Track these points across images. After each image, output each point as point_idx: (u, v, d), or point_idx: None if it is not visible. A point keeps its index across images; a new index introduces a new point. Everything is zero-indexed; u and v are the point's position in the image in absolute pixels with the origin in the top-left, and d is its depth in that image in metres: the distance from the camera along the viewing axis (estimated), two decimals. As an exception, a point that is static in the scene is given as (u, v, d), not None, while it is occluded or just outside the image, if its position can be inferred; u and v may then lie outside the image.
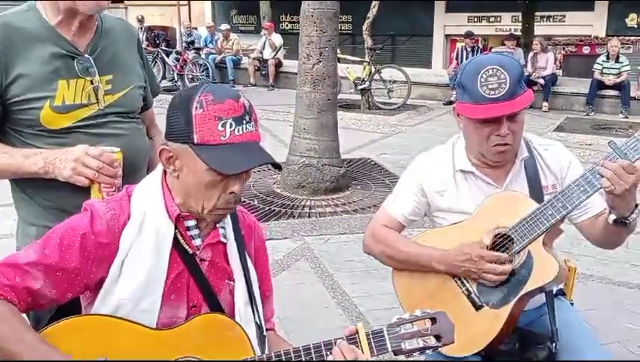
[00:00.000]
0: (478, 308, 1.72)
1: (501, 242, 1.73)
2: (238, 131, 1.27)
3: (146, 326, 1.31)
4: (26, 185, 1.61)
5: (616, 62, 9.45)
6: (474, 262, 1.70)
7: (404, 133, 8.09)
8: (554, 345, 1.77)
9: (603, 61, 9.58)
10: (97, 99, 1.60)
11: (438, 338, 1.37)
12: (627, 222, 1.60)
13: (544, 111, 9.56)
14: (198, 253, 1.39)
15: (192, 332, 1.32)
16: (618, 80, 9.31)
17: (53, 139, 1.56)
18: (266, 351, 1.45)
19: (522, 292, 1.68)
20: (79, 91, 1.57)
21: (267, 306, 1.60)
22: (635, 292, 3.56)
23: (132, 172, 1.67)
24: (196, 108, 1.26)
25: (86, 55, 1.60)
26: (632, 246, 4.23)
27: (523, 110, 1.73)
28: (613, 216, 1.62)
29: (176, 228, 1.36)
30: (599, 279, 3.74)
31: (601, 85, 9.43)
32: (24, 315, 1.31)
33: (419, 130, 8.29)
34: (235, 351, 1.33)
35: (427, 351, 1.40)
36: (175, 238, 1.36)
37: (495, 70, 1.68)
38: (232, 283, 1.43)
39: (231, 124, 1.26)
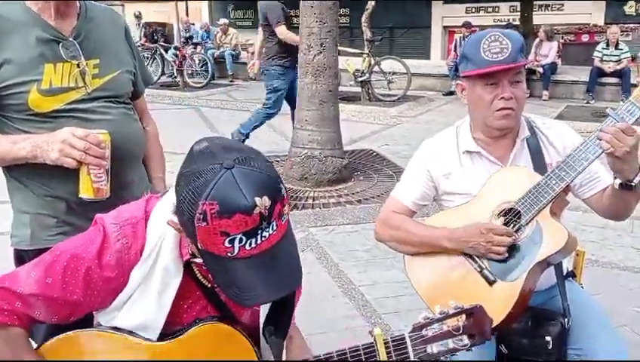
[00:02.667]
0: (491, 283, 1.72)
1: (509, 216, 1.74)
2: (250, 245, 1.07)
3: (146, 339, 1.25)
4: (17, 172, 1.61)
5: (615, 49, 9.43)
6: (482, 235, 1.71)
7: (405, 124, 8.08)
8: (566, 320, 1.78)
9: (603, 48, 9.57)
10: (84, 83, 1.61)
11: (472, 336, 1.27)
12: (633, 185, 1.61)
13: (544, 100, 9.55)
14: (216, 286, 1.29)
15: (193, 344, 1.26)
16: (618, 67, 9.29)
17: (43, 124, 1.56)
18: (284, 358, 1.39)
19: (534, 262, 1.69)
20: (66, 75, 1.58)
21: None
22: (641, 276, 3.56)
23: (127, 159, 1.66)
24: (199, 219, 1.05)
25: (70, 39, 1.60)
26: (637, 231, 4.24)
27: (523, 79, 1.80)
28: (618, 181, 1.63)
29: (191, 263, 1.27)
30: (604, 264, 3.74)
31: (601, 73, 9.41)
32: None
33: (419, 121, 8.28)
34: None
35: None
36: (191, 272, 1.28)
37: (497, 36, 1.74)
38: (255, 308, 1.35)
39: (241, 240, 1.06)
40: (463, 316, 1.28)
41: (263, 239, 1.08)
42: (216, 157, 1.07)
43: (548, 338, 1.78)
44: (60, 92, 1.57)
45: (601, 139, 1.59)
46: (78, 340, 1.25)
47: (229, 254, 1.07)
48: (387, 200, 2.02)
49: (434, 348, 1.27)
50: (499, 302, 1.71)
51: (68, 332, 1.24)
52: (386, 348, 1.27)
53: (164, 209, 1.23)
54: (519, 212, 1.73)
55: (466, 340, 1.27)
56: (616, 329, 1.84)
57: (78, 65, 1.59)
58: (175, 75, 11.72)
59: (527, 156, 1.85)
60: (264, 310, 1.36)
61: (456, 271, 1.79)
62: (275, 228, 1.09)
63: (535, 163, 1.83)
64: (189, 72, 11.65)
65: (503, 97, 1.74)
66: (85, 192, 1.51)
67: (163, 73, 12.19)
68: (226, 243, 1.06)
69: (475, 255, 1.76)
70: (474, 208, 1.80)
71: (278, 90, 5.82)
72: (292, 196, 5.04)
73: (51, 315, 1.21)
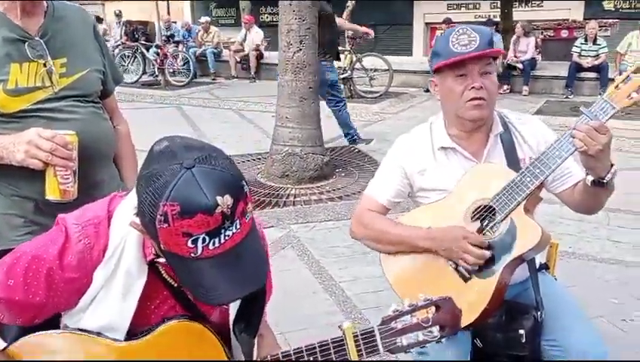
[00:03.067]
0: (466, 279, 1.73)
1: (483, 214, 1.75)
2: (214, 244, 1.05)
3: (114, 340, 1.24)
4: None
5: (594, 44, 9.53)
6: (457, 241, 1.72)
7: (387, 121, 8.10)
8: (539, 313, 1.80)
9: (581, 43, 9.66)
10: (51, 82, 1.59)
11: (442, 328, 1.27)
12: (604, 182, 1.63)
13: (524, 96, 9.62)
14: (183, 285, 1.27)
15: (161, 342, 1.24)
16: (596, 62, 9.39)
17: (9, 124, 1.54)
18: (255, 356, 1.38)
19: (509, 259, 1.70)
20: (32, 74, 1.56)
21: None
22: (617, 268, 3.61)
23: (96, 158, 1.64)
24: (160, 220, 1.03)
25: (37, 38, 1.58)
26: (614, 223, 4.30)
27: (494, 71, 1.82)
28: (590, 178, 1.65)
29: (156, 263, 1.25)
30: (581, 256, 3.79)
31: (579, 68, 9.50)
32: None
33: (401, 117, 8.30)
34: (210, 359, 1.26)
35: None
36: (156, 272, 1.26)
37: (465, 30, 1.78)
38: (224, 307, 1.35)
39: (204, 239, 1.04)
40: (433, 308, 1.28)
41: (227, 238, 1.06)
42: (177, 157, 1.06)
43: (521, 331, 1.81)
44: (26, 92, 1.55)
45: (574, 137, 1.60)
46: (44, 341, 1.23)
47: (192, 254, 1.06)
48: (362, 198, 2.03)
49: (404, 341, 1.27)
50: (474, 298, 1.73)
51: (35, 334, 1.23)
52: (355, 341, 1.27)
53: (127, 209, 1.21)
54: (494, 209, 1.74)
55: (436, 332, 1.28)
56: (590, 320, 1.87)
57: (44, 65, 1.58)
58: (157, 73, 11.64)
59: (501, 152, 1.87)
60: (234, 308, 1.35)
61: (432, 267, 1.79)
62: (238, 226, 1.07)
63: (508, 159, 1.85)
64: (171, 70, 11.57)
65: (473, 87, 1.76)
66: (52, 194, 1.49)
67: (144, 72, 12.09)
68: (189, 244, 1.05)
69: (448, 258, 1.77)
70: (449, 204, 1.81)
71: (333, 81, 6.20)
72: (273, 194, 5.04)
73: (15, 318, 1.20)
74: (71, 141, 1.50)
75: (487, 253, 1.70)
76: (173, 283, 1.28)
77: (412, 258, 1.83)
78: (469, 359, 1.83)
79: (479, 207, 1.76)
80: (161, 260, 1.24)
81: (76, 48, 1.67)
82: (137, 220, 1.13)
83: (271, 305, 3.24)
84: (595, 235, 4.08)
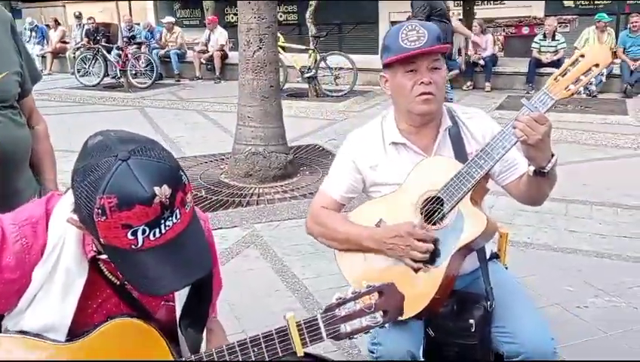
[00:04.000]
0: (416, 270, 1.76)
1: (432, 205, 1.78)
2: (154, 235, 1.05)
3: (53, 341, 1.22)
4: None
5: (552, 40, 9.74)
6: (402, 239, 1.74)
7: (352, 119, 8.13)
8: (489, 303, 1.83)
9: (540, 40, 9.87)
10: None
11: (385, 313, 1.30)
12: (545, 171, 1.67)
13: (487, 92, 9.77)
14: (126, 283, 1.27)
15: (103, 341, 1.22)
16: (555, 57, 9.59)
17: None
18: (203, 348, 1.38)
19: (456, 249, 1.73)
20: None
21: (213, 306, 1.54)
22: (573, 256, 3.70)
23: (12, 165, 1.62)
24: (98, 213, 1.02)
25: None
26: (570, 212, 4.41)
27: (442, 66, 1.85)
28: (532, 168, 1.69)
29: (97, 260, 1.24)
30: (539, 246, 3.87)
31: (539, 63, 9.70)
32: None
33: (366, 115, 8.34)
34: (153, 357, 1.25)
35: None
36: (98, 270, 1.25)
37: (414, 26, 1.82)
38: (170, 303, 1.34)
39: (144, 230, 1.04)
40: (376, 294, 1.31)
41: (167, 228, 1.06)
42: (111, 150, 1.05)
43: (471, 321, 1.84)
44: None
45: (515, 128, 1.64)
46: None
47: (133, 246, 1.06)
48: (316, 194, 2.04)
49: (347, 327, 1.29)
50: (424, 287, 1.75)
51: None
52: (299, 330, 1.28)
53: (65, 206, 1.20)
54: (442, 200, 1.77)
55: (379, 317, 1.30)
56: (537, 309, 1.91)
57: None
58: (119, 75, 11.46)
59: (450, 146, 1.90)
60: (180, 304, 1.34)
61: (383, 260, 1.81)
62: (178, 216, 1.07)
63: (457, 152, 1.88)
64: (133, 72, 11.41)
65: (422, 82, 1.80)
66: None
67: (106, 74, 11.90)
68: (129, 236, 1.04)
69: (394, 256, 1.79)
70: (399, 197, 1.84)
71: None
72: (237, 193, 5.02)
73: None
74: None
75: (432, 247, 1.73)
76: (115, 280, 1.27)
77: (363, 254, 1.85)
78: (421, 347, 1.85)
79: (428, 198, 1.78)
80: (103, 257, 1.22)
81: None
82: (75, 216, 1.12)
83: (234, 304, 3.24)
84: (553, 226, 4.18)
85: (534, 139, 1.60)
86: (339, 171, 1.98)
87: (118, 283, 1.28)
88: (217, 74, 11.86)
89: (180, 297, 1.34)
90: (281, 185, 5.17)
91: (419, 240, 1.72)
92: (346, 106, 8.97)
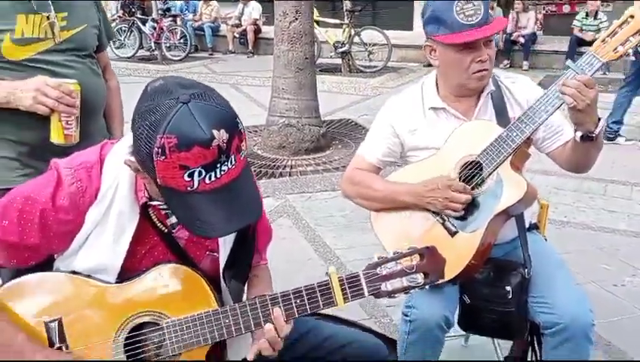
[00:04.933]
0: (453, 234, 1.75)
1: (471, 170, 1.76)
2: (210, 178, 1.08)
3: (105, 282, 1.26)
4: None
5: (594, 18, 9.46)
6: (440, 191, 1.73)
7: (385, 95, 8.05)
8: (526, 270, 1.81)
9: (582, 18, 9.58)
10: (53, 34, 1.69)
11: (426, 275, 1.30)
12: (593, 136, 1.64)
13: (525, 70, 9.57)
14: (174, 231, 1.31)
15: (151, 285, 1.26)
16: (597, 36, 9.31)
17: (14, 72, 1.64)
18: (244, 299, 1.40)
19: (494, 214, 1.72)
20: (36, 26, 1.66)
21: (260, 254, 1.57)
22: (611, 236, 3.63)
23: (90, 111, 1.73)
24: (157, 153, 1.06)
25: None
26: (609, 192, 4.31)
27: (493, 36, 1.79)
28: (579, 133, 1.66)
29: (147, 208, 1.27)
30: (576, 225, 3.80)
31: (580, 42, 9.43)
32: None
33: (399, 92, 8.26)
34: (198, 303, 1.27)
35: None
36: (148, 217, 1.28)
37: None
38: (214, 254, 1.37)
39: (200, 173, 1.07)
40: (417, 256, 1.31)
41: (223, 173, 1.09)
42: (172, 93, 1.08)
43: (508, 288, 1.82)
44: (31, 42, 1.66)
45: (563, 93, 1.60)
46: (36, 282, 1.25)
47: (188, 188, 1.08)
48: (353, 157, 2.04)
49: (388, 286, 1.30)
50: (460, 252, 1.74)
51: (28, 276, 1.24)
52: (341, 285, 1.29)
53: (119, 153, 1.24)
54: (481, 164, 1.75)
55: (420, 279, 1.30)
56: (575, 280, 1.88)
57: (47, 18, 1.67)
58: (153, 48, 11.55)
59: (491, 110, 1.87)
60: (224, 256, 1.37)
61: (420, 224, 1.81)
62: (233, 162, 1.10)
63: (498, 117, 1.85)
64: (167, 44, 11.48)
65: (480, 59, 1.75)
66: (56, 138, 1.60)
67: (141, 46, 12.00)
68: (186, 177, 1.07)
69: (433, 210, 1.78)
70: (437, 161, 1.82)
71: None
72: (270, 165, 5.04)
73: (9, 259, 1.22)
74: (75, 90, 1.62)
75: (470, 198, 1.71)
76: (163, 228, 1.30)
77: (399, 215, 1.85)
78: (456, 313, 1.85)
79: (467, 162, 1.76)
80: (154, 203, 1.26)
81: (76, 4, 1.77)
82: (132, 158, 1.15)
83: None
84: (591, 205, 4.10)
85: (583, 104, 1.56)
86: (377, 135, 1.97)
87: (166, 230, 1.30)
88: (250, 48, 11.85)
89: (225, 248, 1.37)
90: (314, 158, 5.18)
91: (457, 191, 1.71)
92: (380, 82, 8.89)
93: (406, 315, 1.81)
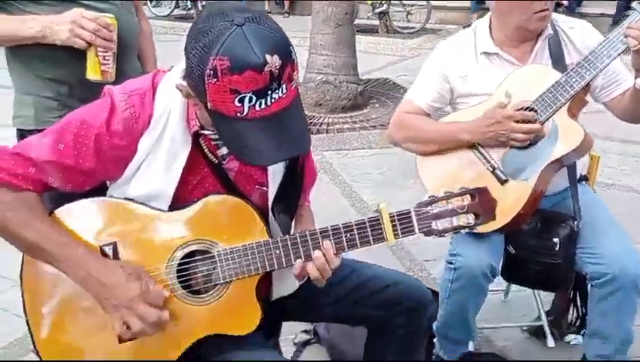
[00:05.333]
0: (503, 182, 1.72)
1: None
2: (260, 105, 1.07)
3: (157, 209, 1.26)
4: (22, 53, 1.63)
5: (646, -20, 9.04)
6: (501, 124, 1.69)
7: (423, 57, 7.81)
8: (575, 223, 1.77)
9: (632, -21, 9.17)
10: None
11: (476, 216, 1.28)
12: None
13: (568, 34, 9.26)
14: (224, 163, 1.31)
15: (204, 213, 1.27)
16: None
17: (49, 7, 1.57)
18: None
19: (548, 161, 1.68)
20: None
21: (305, 194, 1.56)
22: (656, 199, 3.54)
23: (125, 49, 1.67)
24: (209, 75, 1.04)
25: None
26: (656, 156, 4.18)
27: None
28: None
29: (198, 137, 1.27)
30: (621, 187, 3.71)
31: (628, 5, 9.05)
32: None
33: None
34: (249, 233, 1.27)
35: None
36: (199, 147, 1.28)
37: None
38: (263, 188, 1.37)
39: (250, 99, 1.06)
40: (468, 196, 1.29)
41: (273, 100, 1.07)
42: (228, 15, 1.06)
43: (556, 239, 1.79)
44: None
45: (627, 36, 1.53)
46: (90, 206, 1.27)
47: (238, 114, 1.07)
48: (400, 103, 2.00)
49: (439, 225, 1.28)
50: (509, 201, 1.71)
51: (82, 200, 1.26)
52: (392, 221, 1.27)
53: (172, 80, 1.23)
54: (536, 111, 1.70)
55: (471, 219, 1.28)
56: (624, 229, 1.82)
57: None
58: (189, 6, 11.50)
59: (548, 56, 1.81)
60: (273, 190, 1.37)
61: (468, 171, 1.78)
62: (284, 90, 1.08)
63: (555, 64, 1.79)
64: (203, 3, 11.40)
65: None
66: (93, 74, 1.55)
67: (177, 5, 11.97)
68: (236, 103, 1.06)
69: (495, 145, 1.73)
70: (489, 108, 1.77)
71: None
72: (307, 122, 5.01)
73: (65, 183, 1.23)
74: (112, 23, 1.55)
75: (537, 126, 1.67)
76: (214, 159, 1.30)
77: (448, 159, 1.82)
78: (500, 264, 1.83)
79: (521, 108, 1.71)
80: (205, 132, 1.26)
81: None
82: (184, 83, 1.14)
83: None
84: (636, 168, 3.99)
85: None
86: (426, 79, 1.93)
87: (217, 161, 1.30)
88: (286, 8, 11.71)
89: (274, 183, 1.36)
90: (351, 116, 5.13)
91: (518, 121, 1.66)
92: (418, 44, 8.70)
93: (450, 263, 1.79)
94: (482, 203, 1.29)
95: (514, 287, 2.44)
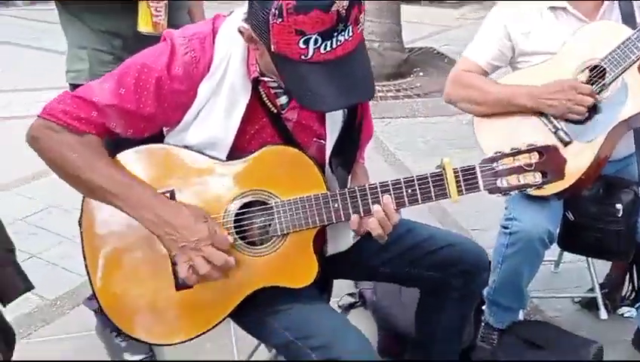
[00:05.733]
0: (566, 144, 1.64)
1: (592, 74, 1.63)
2: (325, 48, 1.04)
3: (216, 158, 1.24)
4: (75, 6, 1.62)
5: None
6: (565, 93, 1.61)
7: (468, 27, 7.67)
8: (640, 189, 1.70)
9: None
10: None
11: (544, 174, 1.22)
12: None
13: None
14: (283, 112, 1.28)
15: (262, 163, 1.24)
16: None
17: None
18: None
19: (616, 122, 1.60)
20: None
21: (361, 151, 1.53)
22: None
23: (175, 4, 1.66)
24: (274, 15, 1.01)
25: None
26: None
27: None
28: None
29: (258, 84, 1.24)
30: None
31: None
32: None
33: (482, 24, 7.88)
34: (307, 186, 1.24)
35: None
36: (258, 95, 1.24)
37: None
38: (321, 141, 1.33)
39: (316, 41, 1.02)
40: (536, 154, 1.23)
41: (339, 43, 1.04)
42: None
43: (619, 206, 1.73)
44: None
45: None
46: (149, 153, 1.25)
47: (302, 57, 1.04)
48: (459, 60, 1.93)
49: (504, 182, 1.22)
50: (573, 162, 1.61)
51: (140, 146, 1.25)
52: (456, 177, 1.22)
53: (232, 24, 1.20)
54: (604, 69, 1.62)
55: (538, 177, 1.22)
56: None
57: None
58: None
59: (617, 14, 1.72)
60: (330, 143, 1.33)
61: (529, 132, 1.70)
62: (350, 33, 1.05)
63: (625, 21, 1.70)
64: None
65: None
66: (144, 26, 1.55)
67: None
68: (301, 44, 1.03)
69: (553, 114, 1.67)
70: (555, 66, 1.70)
71: None
72: (349, 90, 4.95)
73: (127, 128, 1.21)
74: None
75: (599, 98, 1.61)
76: (273, 108, 1.27)
77: (508, 123, 1.75)
78: (558, 228, 1.77)
79: (588, 67, 1.63)
80: (265, 78, 1.22)
81: None
82: (246, 25, 1.11)
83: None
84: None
85: None
86: (487, 36, 1.84)
87: (276, 111, 1.27)
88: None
89: (332, 135, 1.33)
90: (395, 84, 5.03)
91: (582, 94, 1.59)
92: (461, 14, 8.48)
93: (506, 228, 1.74)
94: (551, 161, 1.22)
95: (565, 258, 2.38)
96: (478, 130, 1.80)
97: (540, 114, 1.69)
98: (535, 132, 1.69)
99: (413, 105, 4.54)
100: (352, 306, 2.24)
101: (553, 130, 1.67)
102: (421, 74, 5.31)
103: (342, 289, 2.23)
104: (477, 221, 2.79)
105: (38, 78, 5.19)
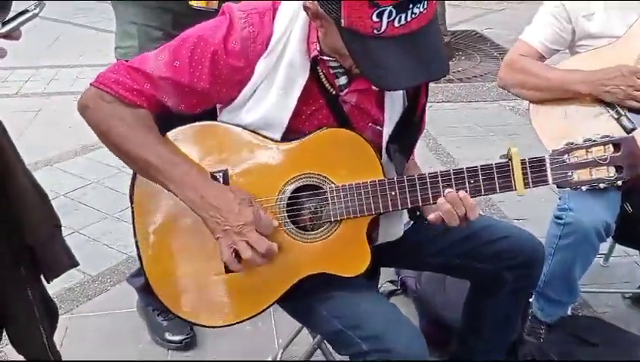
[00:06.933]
0: (629, 131, 1.56)
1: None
2: (399, 21, 0.98)
3: (270, 138, 1.20)
4: None
5: None
6: (624, 78, 1.54)
7: (510, 10, 7.46)
8: None
9: None
10: None
11: (618, 169, 1.15)
12: None
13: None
14: (341, 94, 1.23)
15: (318, 145, 1.20)
16: None
17: None
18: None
19: None
20: None
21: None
22: None
23: None
24: None
25: None
26: None
27: None
28: None
29: (317, 63, 1.19)
30: None
31: None
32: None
33: (525, 7, 7.64)
34: (363, 171, 1.19)
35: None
36: (316, 75, 1.20)
37: None
38: (377, 127, 1.27)
39: (390, 13, 0.97)
40: (611, 146, 1.15)
41: (413, 16, 0.98)
42: None
43: (684, 200, 1.63)
44: None
45: None
46: (202, 130, 1.22)
47: (374, 31, 0.99)
48: (515, 43, 1.85)
49: (575, 176, 1.16)
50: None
51: (192, 123, 1.21)
52: (523, 168, 1.16)
53: (293, 0, 1.16)
54: None
55: (612, 172, 1.15)
56: None
57: None
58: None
59: None
60: (387, 129, 1.28)
61: (589, 119, 1.63)
62: (425, 6, 0.99)
63: None
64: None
65: None
66: (196, 0, 1.52)
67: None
68: (374, 17, 0.98)
69: (612, 101, 1.59)
70: (616, 51, 1.62)
71: None
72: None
73: (179, 102, 1.18)
74: None
75: None
76: (331, 89, 1.22)
77: (566, 109, 1.68)
78: (614, 221, 1.69)
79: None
80: (325, 58, 1.18)
81: None
82: (313, 1, 1.06)
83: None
84: None
85: None
86: (545, 17, 1.76)
87: (334, 92, 1.22)
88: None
89: (391, 121, 1.28)
90: (436, 68, 4.93)
91: None
92: (506, -4, 8.26)
93: (559, 218, 1.67)
94: (627, 155, 1.15)
95: (615, 253, 2.30)
96: (534, 117, 1.73)
97: (601, 100, 1.61)
98: (595, 119, 1.61)
99: (455, 90, 4.45)
100: (392, 293, 2.21)
101: (615, 116, 1.59)
102: (463, 58, 5.19)
103: (383, 276, 2.20)
104: (520, 211, 2.71)
105: (83, 54, 5.25)
